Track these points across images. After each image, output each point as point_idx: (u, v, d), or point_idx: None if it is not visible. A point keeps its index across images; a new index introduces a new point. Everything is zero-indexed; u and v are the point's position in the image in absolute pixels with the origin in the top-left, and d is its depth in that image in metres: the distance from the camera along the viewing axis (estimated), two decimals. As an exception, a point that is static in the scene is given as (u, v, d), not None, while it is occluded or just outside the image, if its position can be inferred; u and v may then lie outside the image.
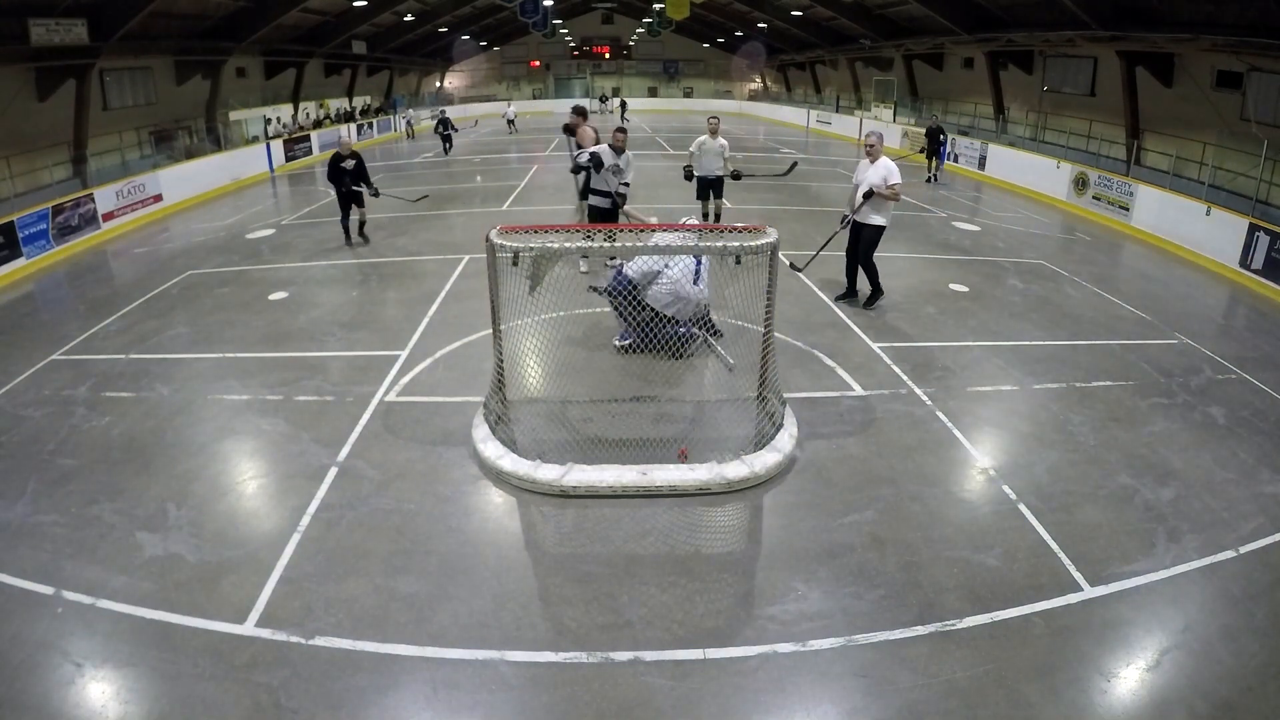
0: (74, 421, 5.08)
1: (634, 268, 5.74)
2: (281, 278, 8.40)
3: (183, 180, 13.65)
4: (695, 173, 8.99)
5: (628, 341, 5.97)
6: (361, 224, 9.88)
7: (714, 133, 8.82)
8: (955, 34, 17.40)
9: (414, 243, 9.90)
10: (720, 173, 8.91)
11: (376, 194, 9.50)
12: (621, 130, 7.50)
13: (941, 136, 15.35)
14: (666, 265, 5.59)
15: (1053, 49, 15.54)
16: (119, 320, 7.14)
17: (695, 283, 5.67)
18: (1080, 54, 14.96)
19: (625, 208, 7.39)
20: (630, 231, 5.77)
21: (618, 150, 7.38)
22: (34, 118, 11.99)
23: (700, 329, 5.97)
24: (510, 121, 27.22)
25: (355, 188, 9.31)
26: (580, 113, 8.24)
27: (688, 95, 41.47)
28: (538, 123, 31.38)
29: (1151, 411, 5.24)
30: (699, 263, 5.62)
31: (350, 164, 9.24)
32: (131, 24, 12.26)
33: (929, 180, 14.98)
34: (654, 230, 5.31)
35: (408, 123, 27.04)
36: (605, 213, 7.42)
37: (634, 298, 5.65)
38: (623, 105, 33.05)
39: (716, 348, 5.93)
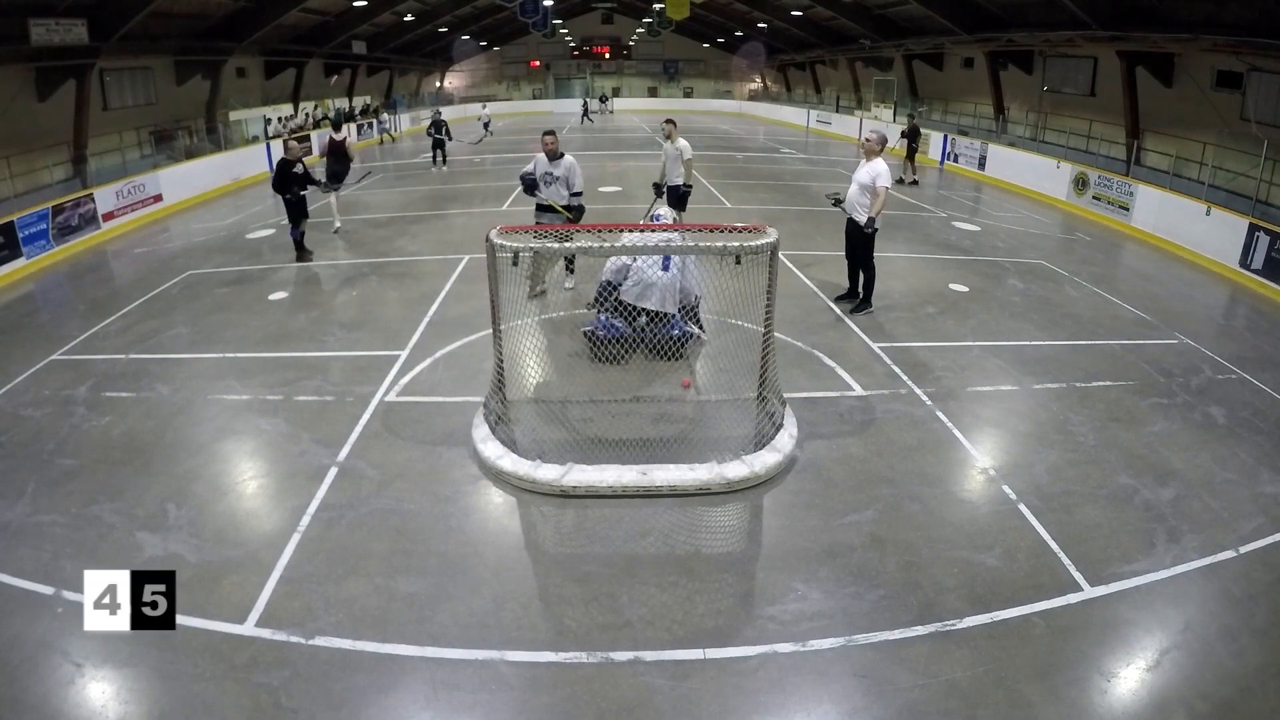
0: (74, 421, 5.08)
1: (607, 270, 5.78)
2: (281, 278, 8.40)
3: (182, 180, 13.65)
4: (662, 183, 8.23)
5: (588, 329, 5.87)
6: (302, 234, 9.09)
7: (669, 137, 8.05)
8: (955, 34, 17.40)
9: (413, 243, 9.90)
10: (679, 181, 8.03)
11: (325, 187, 9.56)
12: (550, 134, 6.66)
13: (914, 141, 14.84)
14: (633, 258, 5.57)
15: (1053, 49, 15.54)
16: (119, 320, 7.14)
17: (665, 269, 5.65)
18: (1080, 54, 14.95)
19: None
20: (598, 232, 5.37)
21: (551, 155, 6.68)
22: (34, 117, 11.98)
23: (684, 318, 5.93)
24: (485, 125, 23.18)
25: (304, 192, 8.73)
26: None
27: (688, 95, 41.48)
28: (539, 123, 31.34)
29: (1151, 411, 5.24)
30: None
31: (300, 169, 8.66)
32: (131, 24, 12.26)
33: (912, 183, 14.63)
34: (622, 230, 5.20)
35: (384, 129, 24.71)
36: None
37: (616, 301, 5.65)
38: (585, 104, 31.92)
39: (691, 328, 5.91)
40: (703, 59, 41.66)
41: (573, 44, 41.34)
